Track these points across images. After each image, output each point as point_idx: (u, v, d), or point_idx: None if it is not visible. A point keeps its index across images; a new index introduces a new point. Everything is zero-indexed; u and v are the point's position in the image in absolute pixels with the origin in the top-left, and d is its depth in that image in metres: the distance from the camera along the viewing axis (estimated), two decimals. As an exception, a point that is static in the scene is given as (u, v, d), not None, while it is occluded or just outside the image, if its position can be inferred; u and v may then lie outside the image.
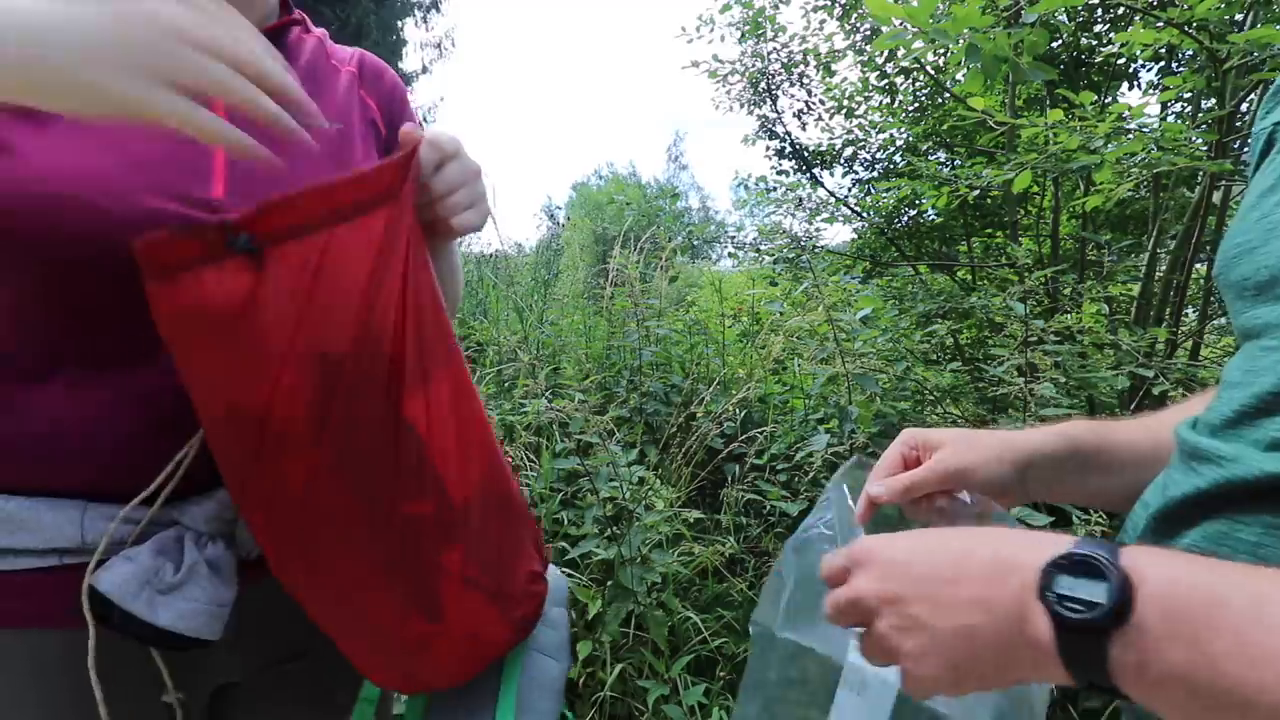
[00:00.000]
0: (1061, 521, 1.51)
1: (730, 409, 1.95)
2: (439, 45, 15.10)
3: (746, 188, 4.56)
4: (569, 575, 1.53)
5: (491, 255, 5.02)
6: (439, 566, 0.59)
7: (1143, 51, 2.44)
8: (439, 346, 0.58)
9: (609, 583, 1.50)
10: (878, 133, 3.88)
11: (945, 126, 3.10)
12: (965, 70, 1.68)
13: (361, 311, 0.52)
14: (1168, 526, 0.41)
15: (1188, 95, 2.53)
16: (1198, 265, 2.30)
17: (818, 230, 4.09)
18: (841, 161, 4.07)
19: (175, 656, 0.59)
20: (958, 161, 3.33)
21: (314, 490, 0.54)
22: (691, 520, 1.70)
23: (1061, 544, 0.33)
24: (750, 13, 3.61)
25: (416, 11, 14.80)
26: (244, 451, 0.53)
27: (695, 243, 3.69)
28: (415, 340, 0.55)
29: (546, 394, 1.59)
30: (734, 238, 3.77)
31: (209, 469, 0.57)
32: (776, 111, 4.07)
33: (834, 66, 3.74)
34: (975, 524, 0.55)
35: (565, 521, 1.69)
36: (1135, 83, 3.17)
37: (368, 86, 0.72)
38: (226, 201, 0.56)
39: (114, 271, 0.52)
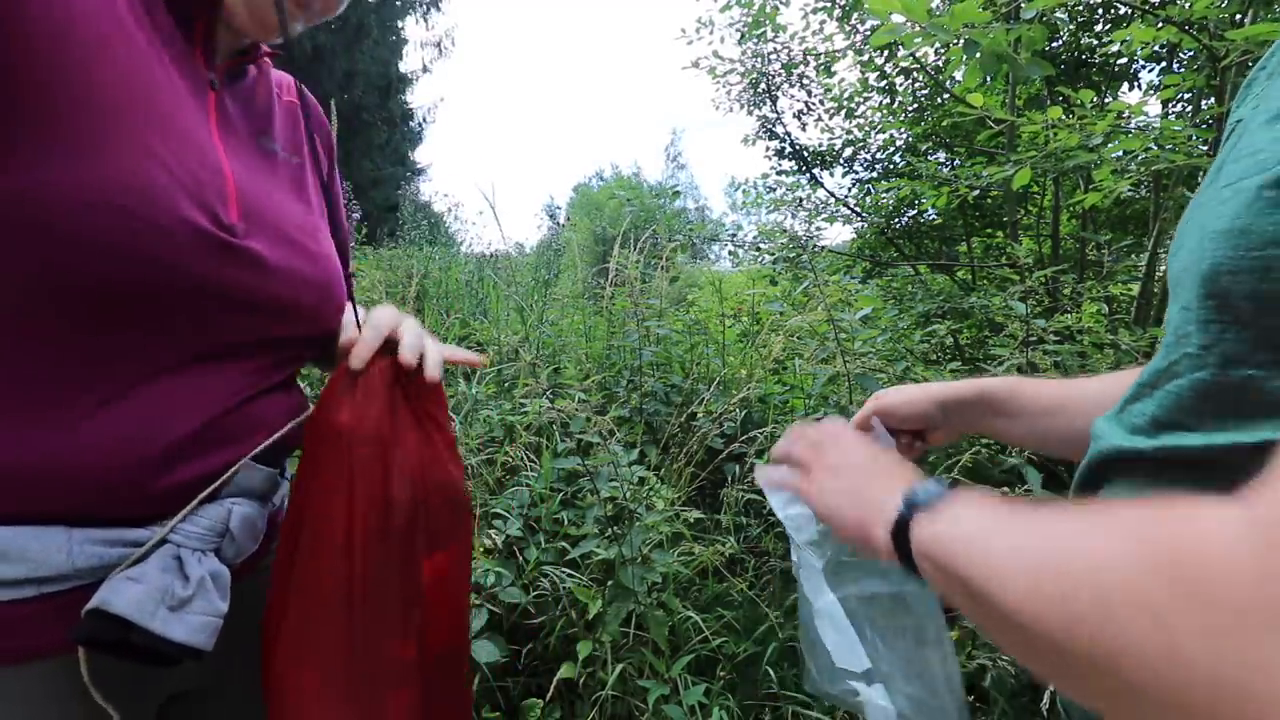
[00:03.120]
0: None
1: (730, 409, 1.95)
2: (439, 45, 15.10)
3: (745, 192, 4.56)
4: (569, 575, 1.53)
5: (492, 255, 5.02)
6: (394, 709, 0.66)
7: (1142, 50, 2.45)
8: (454, 521, 0.71)
9: (609, 583, 1.50)
10: (878, 133, 3.88)
11: (945, 124, 3.10)
12: (964, 67, 1.68)
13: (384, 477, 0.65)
14: (1080, 496, 0.48)
15: (1188, 95, 2.53)
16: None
17: (818, 230, 4.09)
18: (841, 162, 4.07)
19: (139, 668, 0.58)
20: (958, 161, 3.33)
21: (337, 601, 0.62)
22: (692, 520, 1.70)
23: (913, 486, 0.47)
24: (750, 13, 3.61)
25: (416, 10, 14.80)
26: (321, 547, 0.63)
27: (695, 241, 3.69)
28: (426, 513, 0.68)
29: (547, 394, 1.59)
30: (734, 236, 3.77)
31: (196, 486, 0.58)
32: (776, 112, 4.07)
33: (833, 67, 3.74)
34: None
35: (565, 521, 1.69)
36: (1135, 83, 3.18)
37: (312, 122, 0.78)
38: (239, 226, 0.59)
39: (142, 288, 0.53)
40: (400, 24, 14.56)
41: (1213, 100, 2.15)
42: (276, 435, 0.66)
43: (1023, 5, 1.52)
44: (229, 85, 0.65)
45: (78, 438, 0.53)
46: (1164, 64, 2.84)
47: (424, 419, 0.69)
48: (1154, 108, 3.02)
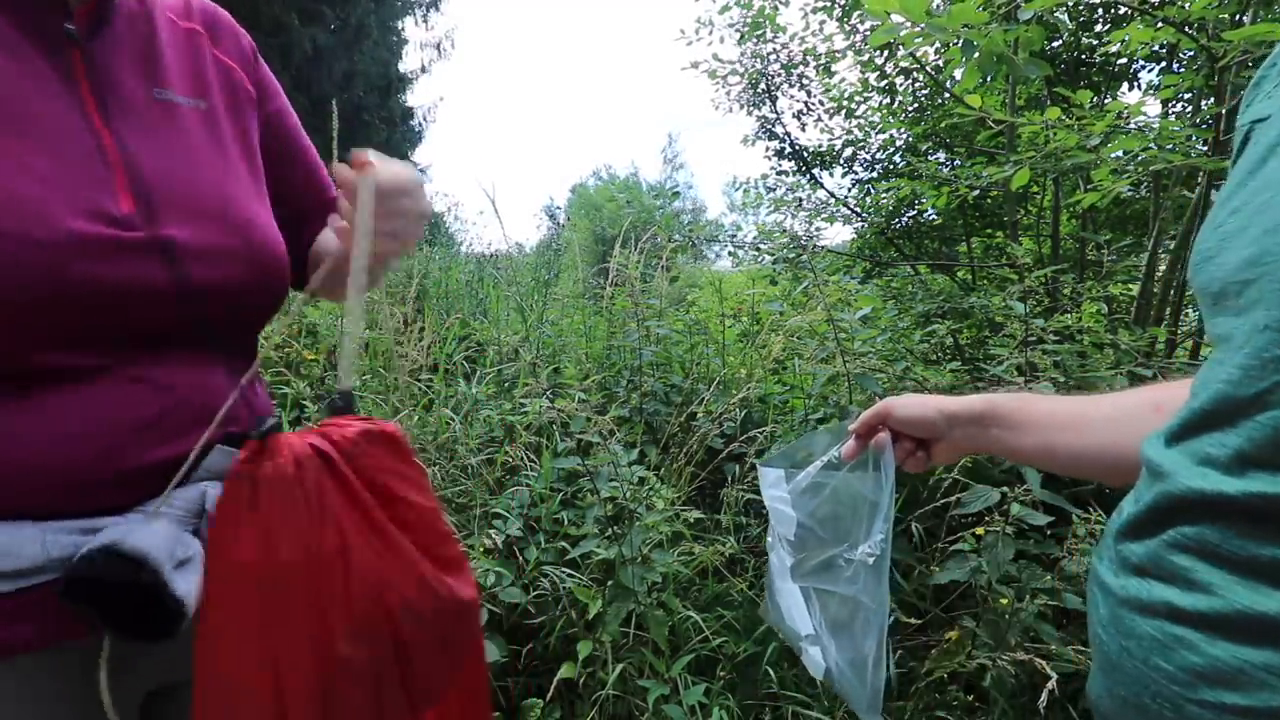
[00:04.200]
0: (1062, 521, 1.52)
1: (730, 409, 1.95)
2: (439, 46, 15.10)
3: (745, 192, 4.56)
4: (569, 575, 1.53)
5: (492, 255, 5.03)
6: None
7: (1141, 50, 2.45)
8: (451, 652, 0.51)
9: (609, 582, 1.50)
10: (878, 133, 3.88)
11: (944, 125, 3.10)
12: (963, 67, 1.68)
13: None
14: (1130, 536, 0.43)
15: (1188, 95, 2.53)
16: (1197, 265, 2.30)
17: (818, 230, 4.09)
18: (841, 162, 4.07)
19: (110, 659, 0.56)
20: (958, 161, 3.34)
21: None
22: (691, 520, 1.70)
23: None
24: (749, 14, 3.61)
25: (416, 11, 14.80)
26: None
27: (695, 242, 3.70)
28: (403, 659, 0.48)
29: (547, 394, 1.59)
30: (734, 237, 3.78)
31: (170, 473, 0.57)
32: (776, 112, 4.07)
33: (833, 67, 3.74)
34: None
35: (565, 521, 1.69)
36: (1135, 83, 3.18)
37: (221, 46, 0.66)
38: (135, 217, 0.54)
39: (42, 298, 0.50)
40: (400, 24, 14.57)
41: (1212, 100, 2.15)
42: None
43: (1021, 5, 1.52)
44: (97, 34, 0.55)
45: (30, 435, 0.51)
46: (1163, 64, 2.84)
47: (379, 509, 0.50)
48: (1154, 108, 3.03)
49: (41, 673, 0.54)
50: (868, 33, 3.40)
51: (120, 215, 0.52)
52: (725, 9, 3.65)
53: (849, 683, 0.68)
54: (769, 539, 0.81)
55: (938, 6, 2.17)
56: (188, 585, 0.52)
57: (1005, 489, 1.44)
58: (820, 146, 4.10)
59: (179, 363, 0.58)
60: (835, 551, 0.71)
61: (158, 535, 0.50)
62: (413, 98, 15.34)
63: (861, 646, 0.67)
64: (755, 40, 3.73)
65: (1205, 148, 1.92)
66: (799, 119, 4.10)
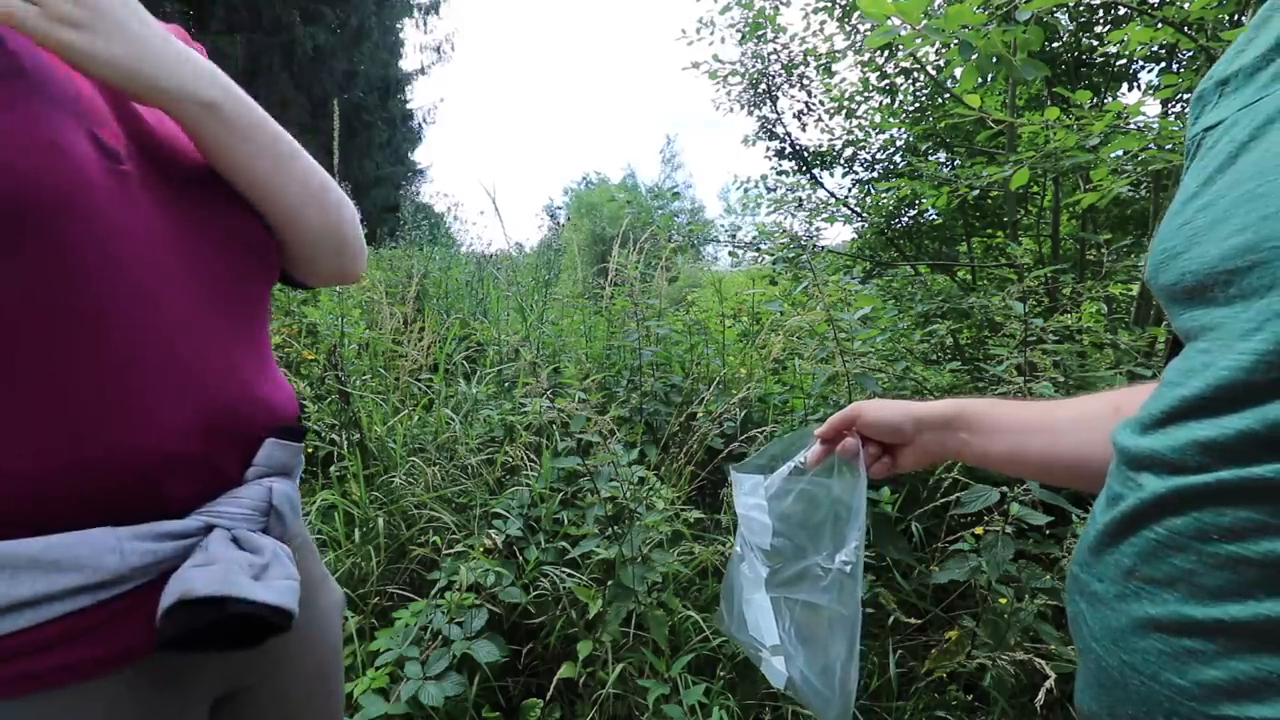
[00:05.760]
0: (1061, 521, 1.52)
1: (730, 409, 1.95)
2: (438, 48, 15.11)
3: (746, 191, 4.56)
4: (569, 575, 1.53)
5: (493, 255, 5.04)
6: None
7: (1140, 50, 2.45)
8: None
9: (609, 582, 1.50)
10: (878, 133, 3.88)
11: (944, 125, 3.10)
12: (962, 68, 1.69)
13: None
14: (1118, 537, 0.41)
15: (1188, 95, 2.53)
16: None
17: (818, 230, 4.09)
18: (841, 162, 4.07)
19: (180, 668, 0.56)
20: (958, 161, 3.34)
21: None
22: (691, 520, 1.70)
23: None
24: (750, 14, 3.62)
25: (416, 13, 14.82)
26: None
27: (694, 242, 3.70)
28: None
29: (547, 394, 1.59)
30: (734, 237, 3.78)
31: (233, 470, 0.57)
32: (776, 112, 4.08)
33: (834, 67, 3.75)
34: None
35: (565, 521, 1.69)
36: (1135, 83, 3.18)
37: None
38: (122, 153, 0.52)
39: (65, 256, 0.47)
40: (400, 25, 14.58)
41: (1212, 100, 2.15)
42: None
43: (1019, 5, 1.52)
44: None
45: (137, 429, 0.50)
46: (1163, 64, 2.84)
47: None
48: (1153, 108, 3.03)
49: (122, 688, 0.53)
50: (868, 33, 3.40)
51: (112, 147, 0.51)
52: (726, 9, 3.65)
53: (815, 692, 0.66)
54: (736, 548, 0.78)
55: (938, 6, 2.17)
56: (277, 589, 0.52)
57: (1005, 488, 1.44)
58: (820, 146, 4.10)
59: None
60: (812, 560, 0.69)
61: (215, 569, 0.50)
62: (413, 99, 15.36)
63: (830, 653, 0.65)
64: (756, 41, 3.73)
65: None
66: (799, 119, 4.10)
